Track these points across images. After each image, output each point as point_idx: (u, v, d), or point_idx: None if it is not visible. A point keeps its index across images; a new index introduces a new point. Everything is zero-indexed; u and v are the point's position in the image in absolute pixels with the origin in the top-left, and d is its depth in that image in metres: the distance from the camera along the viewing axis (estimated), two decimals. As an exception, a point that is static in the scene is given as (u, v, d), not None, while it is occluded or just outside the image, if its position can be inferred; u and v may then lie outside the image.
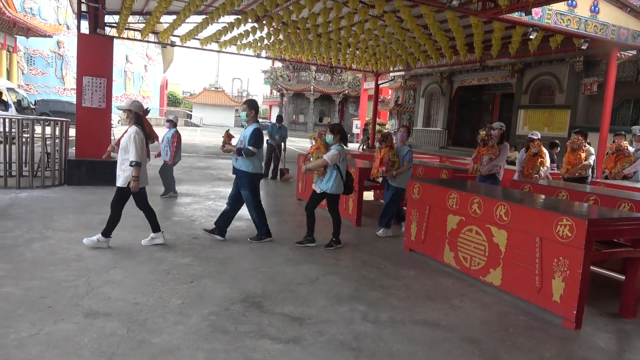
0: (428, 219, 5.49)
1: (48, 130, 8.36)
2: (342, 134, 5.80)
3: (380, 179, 6.71)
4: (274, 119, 19.93)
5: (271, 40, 13.47)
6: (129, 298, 3.82)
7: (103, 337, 3.14)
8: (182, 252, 5.21)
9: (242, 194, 5.76)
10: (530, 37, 8.62)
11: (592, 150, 7.90)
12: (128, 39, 16.78)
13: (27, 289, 3.85)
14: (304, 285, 4.46)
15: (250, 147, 5.52)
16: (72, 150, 9.21)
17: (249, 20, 11.18)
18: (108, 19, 11.46)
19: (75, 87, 11.96)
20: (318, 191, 5.77)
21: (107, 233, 5.09)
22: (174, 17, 11.85)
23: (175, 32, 13.37)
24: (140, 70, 43.39)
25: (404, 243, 5.96)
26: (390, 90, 30.98)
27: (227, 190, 9.96)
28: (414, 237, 5.73)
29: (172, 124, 8.45)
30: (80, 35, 9.09)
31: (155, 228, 5.41)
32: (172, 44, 14.90)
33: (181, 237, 5.86)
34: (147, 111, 5.53)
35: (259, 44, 14.19)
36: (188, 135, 27.83)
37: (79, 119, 8.95)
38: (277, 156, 12.17)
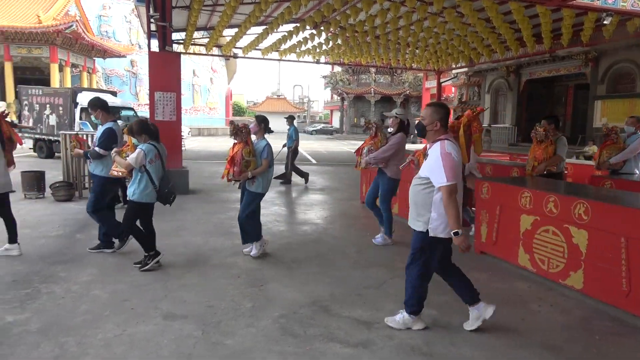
0: (499, 219, 5.26)
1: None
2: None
3: (238, 184, 5.39)
4: (335, 123, 19.95)
5: (330, 46, 13.57)
6: (203, 301, 3.97)
7: (181, 339, 3.29)
8: (251, 257, 5.35)
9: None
10: (604, 22, 8.04)
11: (565, 140, 6.34)
12: (194, 54, 17.57)
13: (112, 292, 4.12)
14: (371, 288, 4.42)
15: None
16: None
17: (307, 27, 11.33)
18: (175, 36, 12.08)
19: (148, 102, 12.65)
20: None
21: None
22: (236, 30, 12.26)
23: (238, 44, 13.82)
24: (206, 83, 45.34)
25: (474, 245, 5.75)
26: (453, 88, 30.16)
27: (296, 195, 10.13)
28: (485, 238, 5.52)
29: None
30: (151, 54, 9.66)
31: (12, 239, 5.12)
32: (235, 56, 15.43)
33: (249, 242, 6.02)
34: (5, 114, 5.35)
35: (317, 50, 14.33)
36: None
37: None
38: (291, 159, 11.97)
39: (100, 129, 5.27)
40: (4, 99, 29.95)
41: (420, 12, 9.01)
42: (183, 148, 10.42)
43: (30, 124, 16.90)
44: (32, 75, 34.21)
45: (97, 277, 4.51)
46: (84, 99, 15.02)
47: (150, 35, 9.97)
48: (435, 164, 3.24)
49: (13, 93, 29.28)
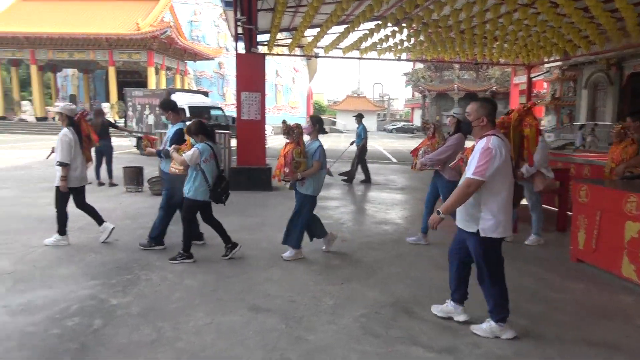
0: (599, 225, 4.84)
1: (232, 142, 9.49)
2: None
3: (288, 184, 5.24)
4: (416, 122, 19.52)
5: (411, 42, 13.28)
6: (286, 296, 4.08)
7: (265, 331, 3.40)
8: (333, 254, 5.40)
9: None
10: None
11: None
12: (277, 54, 17.99)
13: (202, 282, 4.36)
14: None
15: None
16: (233, 159, 10.23)
17: (389, 25, 11.17)
18: (260, 38, 12.50)
19: (234, 102, 13.18)
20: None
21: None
22: (317, 29, 12.42)
23: (319, 44, 13.99)
24: (288, 83, 46.50)
25: (571, 252, 5.35)
26: (545, 84, 28.29)
27: (376, 194, 10.08)
28: (582, 245, 5.11)
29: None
30: (238, 56, 10.08)
31: (59, 231, 5.46)
32: (316, 56, 15.62)
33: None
34: (84, 114, 5.75)
35: (399, 47, 14.08)
36: (333, 142, 28.82)
37: (239, 131, 9.90)
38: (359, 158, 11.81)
39: (171, 129, 5.51)
40: (108, 100, 32.85)
41: (509, 4, 8.51)
42: (266, 146, 10.77)
43: (134, 123, 18.36)
44: (131, 78, 37.19)
45: (189, 267, 4.79)
46: (178, 99, 16.03)
47: (237, 38, 10.40)
48: (473, 157, 3.20)
49: (116, 94, 32.02)
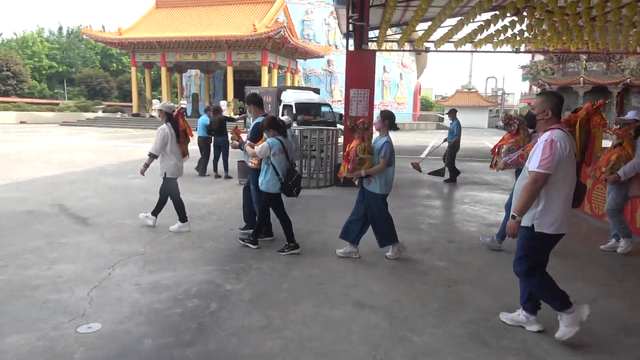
0: None
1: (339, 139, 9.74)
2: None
3: (356, 181, 4.97)
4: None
5: (532, 32, 12.33)
6: (391, 294, 4.04)
7: (369, 328, 3.40)
8: (439, 255, 5.23)
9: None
10: None
11: None
12: (387, 50, 17.89)
13: (309, 275, 4.49)
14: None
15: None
16: (340, 155, 10.36)
17: (507, 15, 10.48)
18: (369, 34, 12.48)
19: (341, 99, 13.24)
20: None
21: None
22: (429, 23, 12.06)
23: (430, 38, 13.59)
24: (395, 78, 45.95)
25: None
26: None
27: (482, 194, 9.58)
28: None
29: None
30: (349, 53, 10.16)
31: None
32: (427, 50, 15.21)
33: (437, 239, 5.90)
34: (182, 112, 6.08)
35: (517, 38, 13.16)
36: (439, 139, 27.94)
37: (347, 127, 10.00)
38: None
39: (253, 123, 5.60)
40: (225, 98, 35.26)
41: (654, -15, 7.51)
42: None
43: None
44: (247, 77, 39.47)
45: (296, 259, 4.96)
46: (287, 97, 16.60)
47: (348, 35, 10.49)
48: (536, 150, 3.09)
49: (232, 92, 34.23)
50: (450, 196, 9.23)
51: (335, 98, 40.47)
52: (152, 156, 5.81)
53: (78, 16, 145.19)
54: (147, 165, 5.88)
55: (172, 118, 5.94)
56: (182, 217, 6.00)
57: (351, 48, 10.36)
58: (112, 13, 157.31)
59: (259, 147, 5.05)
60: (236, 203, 7.75)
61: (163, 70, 36.71)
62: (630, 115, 5.38)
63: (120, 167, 11.69)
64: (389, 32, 14.34)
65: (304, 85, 39.09)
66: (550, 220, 3.08)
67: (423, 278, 4.48)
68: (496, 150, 5.56)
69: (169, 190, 5.99)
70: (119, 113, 42.14)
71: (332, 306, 3.77)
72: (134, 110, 39.43)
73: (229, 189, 9.14)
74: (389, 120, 4.90)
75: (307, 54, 38.18)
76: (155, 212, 6.09)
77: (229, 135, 6.48)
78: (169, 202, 6.04)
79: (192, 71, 44.38)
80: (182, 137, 6.02)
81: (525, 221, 3.15)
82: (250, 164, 5.52)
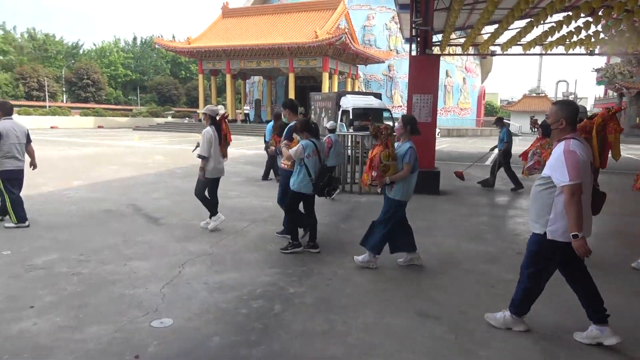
0: None
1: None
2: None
3: (378, 189, 4.93)
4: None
5: (609, 33, 11.60)
6: (455, 305, 3.93)
7: (434, 338, 3.33)
8: (506, 266, 5.02)
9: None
10: None
11: None
12: (450, 54, 17.52)
13: (371, 282, 4.47)
14: (663, 328, 3.60)
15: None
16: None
17: (581, 15, 9.93)
18: (433, 38, 12.29)
19: (402, 104, 13.01)
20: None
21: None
22: (496, 26, 11.68)
23: (496, 41, 13.16)
24: (458, 83, 44.79)
25: None
26: None
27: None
28: None
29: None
30: (412, 58, 10.05)
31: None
32: (493, 54, 14.74)
33: (504, 250, 5.67)
34: (225, 116, 6.40)
35: (592, 40, 12.44)
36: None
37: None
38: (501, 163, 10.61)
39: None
40: (286, 104, 35.91)
41: None
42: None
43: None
44: (307, 83, 40.01)
45: (357, 266, 4.95)
46: (345, 102, 16.61)
47: (411, 39, 10.39)
48: (557, 162, 3.06)
49: (294, 98, 34.76)
50: (515, 205, 8.84)
51: (395, 103, 40.06)
52: (203, 158, 6.06)
53: (151, 27, 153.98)
54: (202, 169, 6.10)
55: (216, 121, 6.21)
56: (213, 211, 6.27)
57: (414, 53, 10.24)
58: (182, 23, 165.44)
59: (294, 149, 5.22)
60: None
61: (228, 77, 38.03)
62: None
63: (189, 170, 12.21)
64: (453, 35, 14.02)
65: (364, 90, 39.04)
66: (563, 228, 3.07)
67: (490, 290, 4.33)
68: (526, 155, 5.38)
69: (200, 187, 6.21)
70: (187, 118, 44.15)
71: (394, 314, 3.73)
72: (200, 116, 41.16)
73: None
74: (410, 126, 4.77)
75: (367, 60, 38.12)
76: (213, 212, 6.29)
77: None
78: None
79: (255, 77, 45.64)
80: (223, 140, 6.26)
81: (538, 229, 3.22)
82: (283, 165, 5.70)
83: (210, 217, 6.28)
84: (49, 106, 40.63)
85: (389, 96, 40.62)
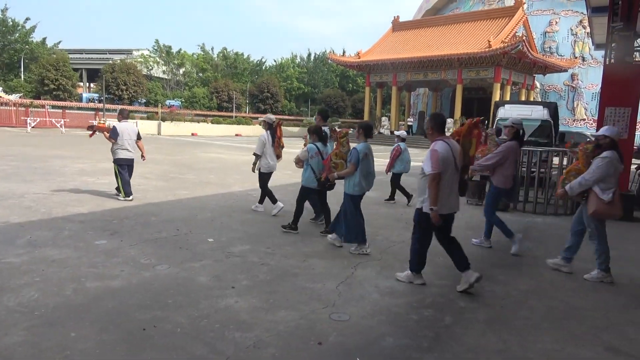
0: None
1: (556, 160, 8.90)
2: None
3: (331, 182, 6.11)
4: None
5: None
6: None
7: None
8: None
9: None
10: None
11: None
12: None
13: (543, 307, 4.17)
14: None
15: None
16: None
17: None
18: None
19: (585, 117, 11.44)
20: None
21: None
22: None
23: None
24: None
25: None
26: None
27: None
28: None
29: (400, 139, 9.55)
30: (607, 66, 9.00)
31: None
32: None
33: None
34: (280, 124, 7.79)
35: None
36: None
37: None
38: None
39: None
40: (452, 115, 34.93)
41: None
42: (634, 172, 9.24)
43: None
44: (475, 94, 38.42)
45: (533, 288, 4.68)
46: (502, 112, 15.44)
47: (607, 46, 9.31)
48: (426, 157, 4.24)
49: (460, 110, 33.72)
50: None
51: (578, 116, 35.94)
52: (256, 155, 7.47)
53: (324, 43, 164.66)
54: (254, 164, 7.65)
55: (271, 127, 7.59)
56: (262, 200, 7.86)
57: (609, 60, 9.16)
58: (353, 38, 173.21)
59: (301, 151, 6.41)
60: (463, 223, 7.66)
61: (394, 89, 38.59)
62: (602, 131, 5.05)
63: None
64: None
65: (540, 101, 35.96)
66: (428, 204, 4.27)
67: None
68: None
69: (262, 181, 7.63)
70: (351, 129, 45.94)
71: (578, 345, 3.45)
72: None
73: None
74: (364, 130, 5.68)
75: (546, 68, 34.96)
76: (274, 200, 7.62)
77: None
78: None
79: (421, 89, 45.38)
80: (276, 142, 7.61)
81: (418, 205, 4.43)
82: (296, 166, 6.82)
83: (259, 202, 7.92)
84: (235, 116, 46.20)
85: (569, 108, 36.62)
